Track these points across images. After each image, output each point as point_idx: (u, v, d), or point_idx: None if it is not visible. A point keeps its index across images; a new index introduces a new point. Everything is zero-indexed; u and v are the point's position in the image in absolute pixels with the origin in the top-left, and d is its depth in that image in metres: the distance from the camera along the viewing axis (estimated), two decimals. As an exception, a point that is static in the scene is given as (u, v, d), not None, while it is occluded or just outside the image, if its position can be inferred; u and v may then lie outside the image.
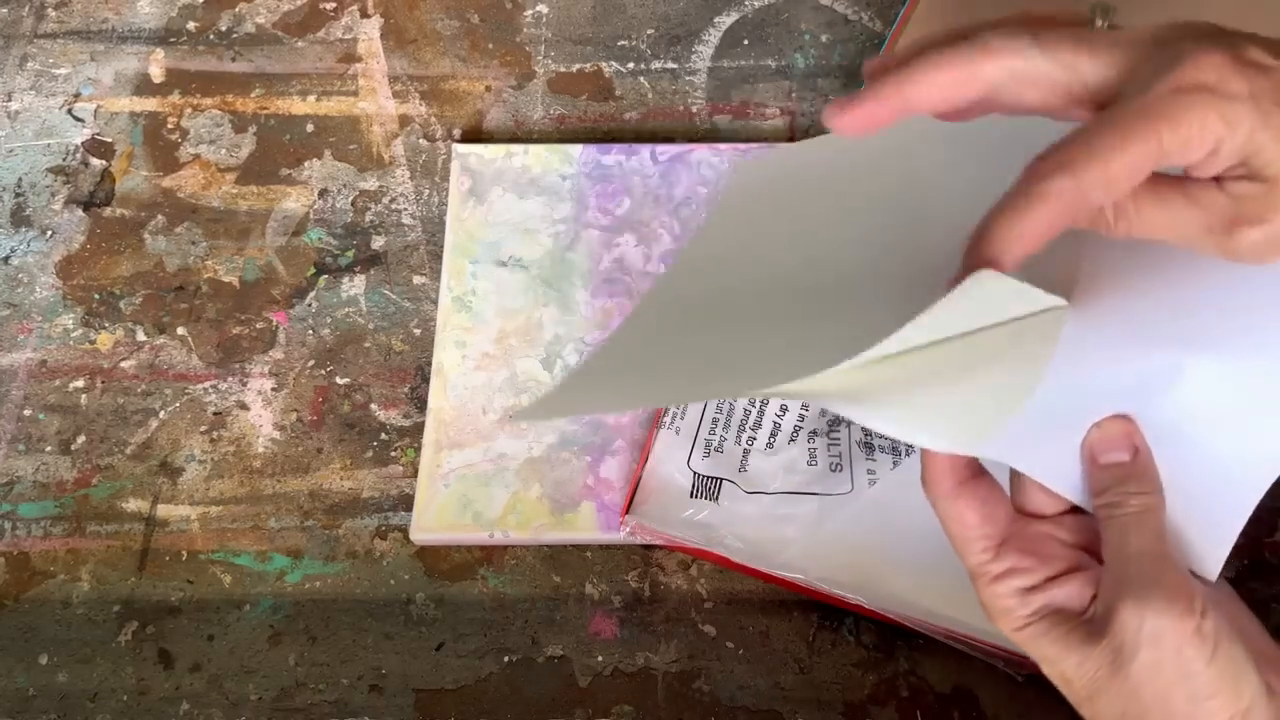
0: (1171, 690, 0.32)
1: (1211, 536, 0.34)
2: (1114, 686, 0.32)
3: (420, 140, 0.63)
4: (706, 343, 0.41)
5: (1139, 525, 0.33)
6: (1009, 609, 0.34)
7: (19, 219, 0.62)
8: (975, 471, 0.35)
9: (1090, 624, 0.33)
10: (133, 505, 0.55)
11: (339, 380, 0.57)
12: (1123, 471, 0.34)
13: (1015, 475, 0.36)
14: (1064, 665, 0.33)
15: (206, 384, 0.57)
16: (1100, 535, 0.34)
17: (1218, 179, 0.30)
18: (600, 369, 0.44)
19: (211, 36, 0.67)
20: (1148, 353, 0.33)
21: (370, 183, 0.62)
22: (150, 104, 0.65)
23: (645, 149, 0.60)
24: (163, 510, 0.55)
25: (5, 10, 0.68)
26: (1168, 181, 0.31)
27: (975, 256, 0.30)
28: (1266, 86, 0.29)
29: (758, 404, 0.52)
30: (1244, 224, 0.30)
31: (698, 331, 0.42)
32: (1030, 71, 0.31)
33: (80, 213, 0.62)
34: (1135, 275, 0.35)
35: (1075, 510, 0.35)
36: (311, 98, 0.65)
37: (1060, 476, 0.34)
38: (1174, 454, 0.34)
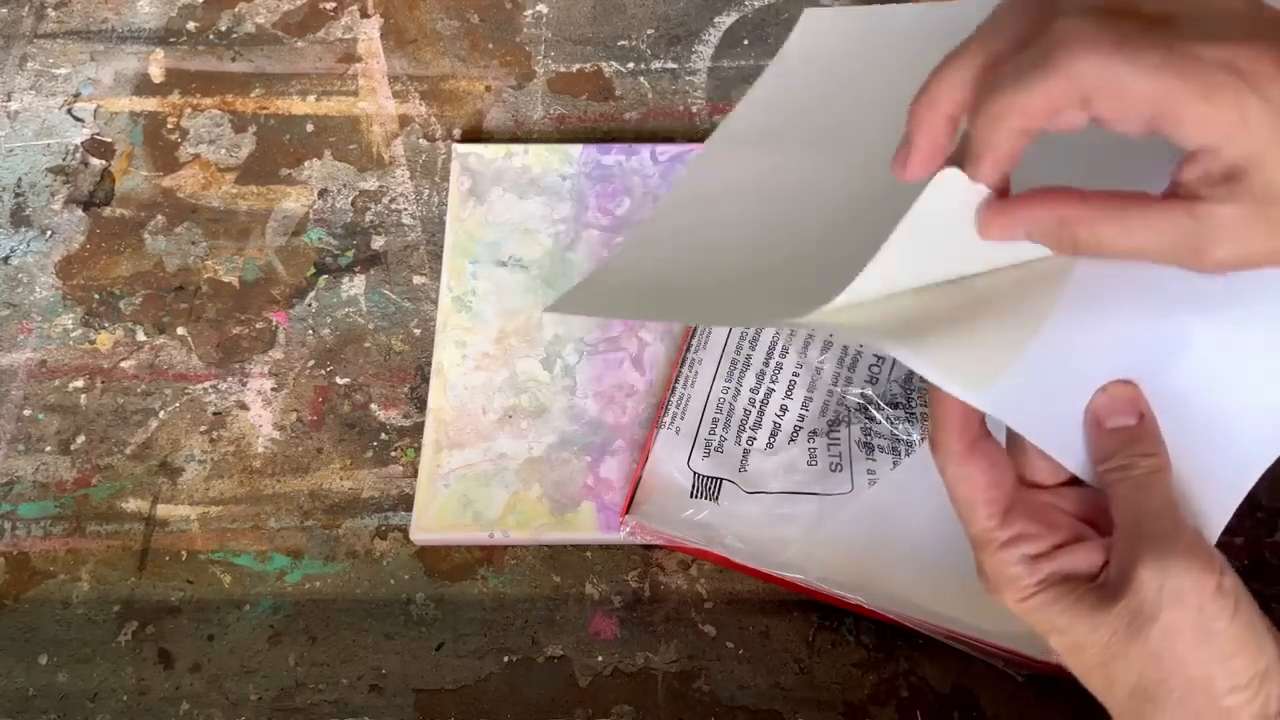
0: (1192, 651, 0.31)
1: (1209, 509, 0.34)
2: (1132, 650, 0.31)
3: (420, 140, 0.63)
4: (730, 259, 0.39)
5: (1151, 486, 0.33)
6: (1016, 576, 0.33)
7: (19, 219, 0.62)
8: (983, 434, 0.34)
9: (1103, 589, 0.32)
10: (133, 505, 0.55)
11: (339, 380, 0.57)
12: (1129, 435, 0.33)
13: (1014, 444, 0.35)
14: (1076, 633, 0.32)
15: (206, 384, 0.57)
16: (1106, 503, 0.33)
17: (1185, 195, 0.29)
18: (626, 271, 0.42)
19: (211, 36, 0.67)
20: (1156, 318, 0.33)
21: (370, 183, 0.62)
22: (150, 104, 0.65)
23: (645, 149, 0.60)
24: (163, 510, 0.54)
25: (5, 10, 0.68)
26: (1128, 200, 0.29)
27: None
28: None
29: (758, 404, 0.52)
30: (1216, 245, 0.28)
31: (723, 245, 0.40)
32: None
33: (80, 213, 0.62)
34: None
35: (1074, 483, 0.35)
36: (311, 98, 0.65)
37: (1061, 443, 0.34)
38: (1177, 423, 0.33)
